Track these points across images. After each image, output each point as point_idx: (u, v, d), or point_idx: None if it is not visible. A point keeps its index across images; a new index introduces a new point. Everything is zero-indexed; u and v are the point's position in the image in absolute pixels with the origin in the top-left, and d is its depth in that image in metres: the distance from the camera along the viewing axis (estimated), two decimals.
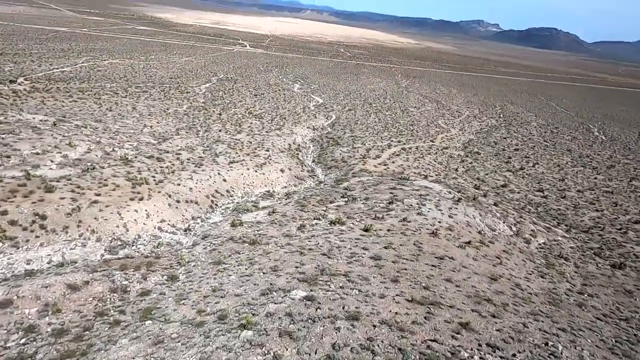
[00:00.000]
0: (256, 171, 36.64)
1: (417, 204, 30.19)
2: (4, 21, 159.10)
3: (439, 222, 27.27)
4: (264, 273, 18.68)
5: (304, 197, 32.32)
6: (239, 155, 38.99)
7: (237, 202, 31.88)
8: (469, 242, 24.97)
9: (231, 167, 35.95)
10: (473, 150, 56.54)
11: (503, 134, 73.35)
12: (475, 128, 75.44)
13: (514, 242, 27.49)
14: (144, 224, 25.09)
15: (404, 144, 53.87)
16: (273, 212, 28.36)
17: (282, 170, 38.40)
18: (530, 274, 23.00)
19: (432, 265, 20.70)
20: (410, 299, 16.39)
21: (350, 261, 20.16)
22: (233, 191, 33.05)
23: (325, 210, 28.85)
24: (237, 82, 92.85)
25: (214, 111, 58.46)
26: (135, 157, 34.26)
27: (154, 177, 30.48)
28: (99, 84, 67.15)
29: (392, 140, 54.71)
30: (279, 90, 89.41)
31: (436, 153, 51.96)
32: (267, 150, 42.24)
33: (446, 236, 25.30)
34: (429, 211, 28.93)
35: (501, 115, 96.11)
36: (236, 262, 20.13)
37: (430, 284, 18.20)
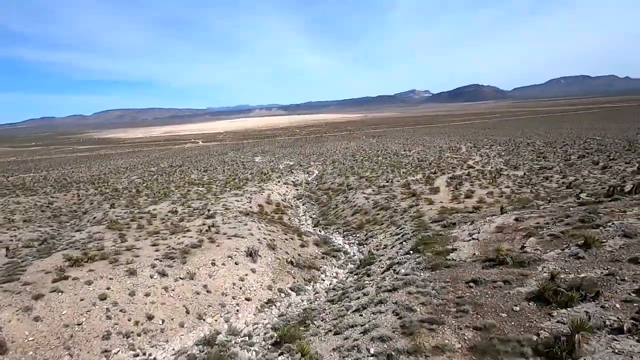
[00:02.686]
0: (164, 274, 13.63)
1: None
2: None
3: None
4: None
5: None
6: (125, 241, 16.79)
7: None
8: None
9: (63, 288, 13.16)
10: (533, 168, 38.67)
11: (529, 152, 57.84)
12: (492, 154, 59.84)
13: None
14: None
15: (441, 175, 34.81)
16: None
17: (249, 254, 15.66)
18: None
19: None
20: None
21: None
22: None
23: None
24: (183, 165, 73.79)
25: (129, 192, 36.91)
26: None
27: None
28: None
29: (423, 173, 35.46)
30: (237, 163, 70.96)
31: (495, 177, 33.18)
32: (211, 217, 20.43)
33: None
34: None
35: (499, 143, 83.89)
36: None
37: None
